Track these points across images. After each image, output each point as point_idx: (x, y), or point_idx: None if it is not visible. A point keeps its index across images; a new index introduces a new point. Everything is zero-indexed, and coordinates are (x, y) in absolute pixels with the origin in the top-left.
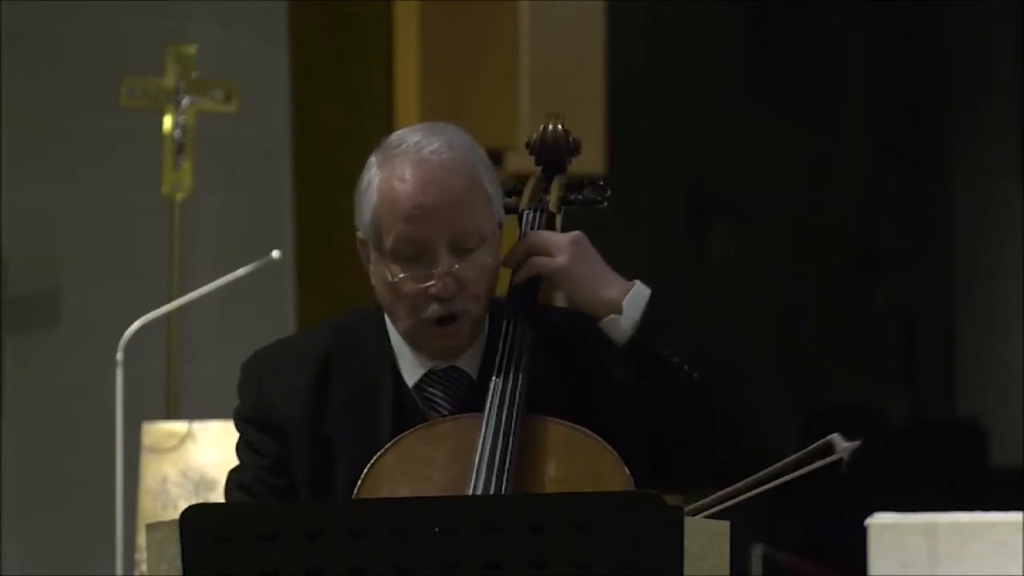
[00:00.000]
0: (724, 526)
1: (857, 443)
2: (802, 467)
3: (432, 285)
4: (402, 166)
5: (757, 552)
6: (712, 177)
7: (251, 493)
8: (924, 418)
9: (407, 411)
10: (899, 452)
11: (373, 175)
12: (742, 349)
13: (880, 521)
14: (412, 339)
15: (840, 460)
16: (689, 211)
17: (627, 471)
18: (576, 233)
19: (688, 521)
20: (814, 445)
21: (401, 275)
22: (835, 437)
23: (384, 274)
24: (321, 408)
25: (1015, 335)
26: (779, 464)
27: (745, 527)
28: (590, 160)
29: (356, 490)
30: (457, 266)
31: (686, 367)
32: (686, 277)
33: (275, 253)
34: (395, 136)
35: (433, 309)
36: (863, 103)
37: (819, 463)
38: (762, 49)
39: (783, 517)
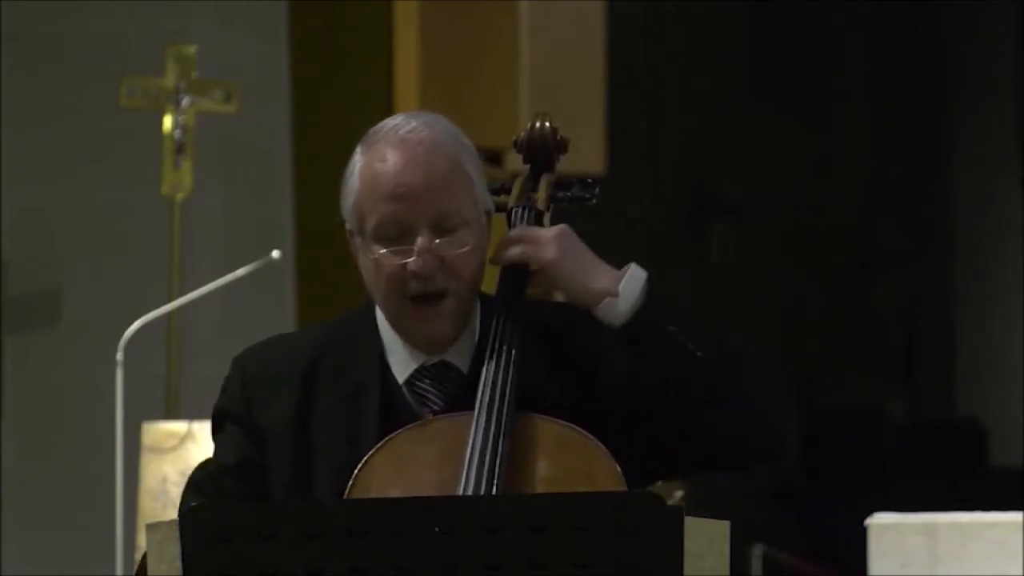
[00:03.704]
0: (724, 526)
1: (682, 492)
2: None
3: (413, 261)
4: (382, 149)
5: (757, 552)
6: (712, 177)
7: (201, 492)
8: (924, 418)
9: (397, 407)
10: (899, 452)
11: (356, 161)
12: (743, 343)
13: (880, 521)
14: (397, 325)
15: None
16: (689, 211)
17: (619, 468)
18: (561, 226)
19: (688, 521)
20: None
21: (382, 251)
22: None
23: (368, 257)
24: (306, 409)
25: (1015, 335)
26: None
27: (745, 527)
28: (590, 160)
29: (348, 489)
30: (438, 241)
31: (689, 343)
32: (686, 277)
33: (275, 253)
34: (377, 124)
35: (414, 287)
36: (863, 103)
37: None
38: (762, 49)
39: (783, 517)
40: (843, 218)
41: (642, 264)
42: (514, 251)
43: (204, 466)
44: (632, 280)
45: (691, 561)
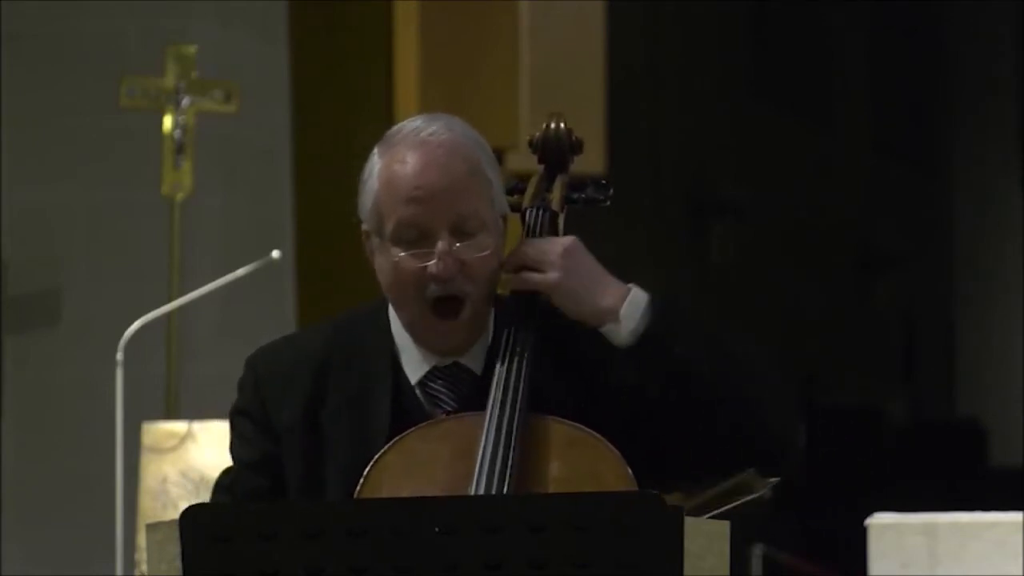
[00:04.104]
0: (724, 526)
1: (775, 479)
2: (723, 504)
3: (433, 264)
4: (402, 150)
5: (757, 552)
6: (712, 177)
7: (231, 493)
8: (924, 418)
9: (410, 408)
10: (899, 452)
11: (374, 163)
12: (748, 344)
13: (880, 521)
14: (415, 332)
15: (760, 496)
16: (689, 211)
17: (629, 471)
18: (570, 241)
19: (688, 521)
20: (732, 481)
21: (402, 254)
22: (751, 473)
23: (387, 259)
24: (318, 406)
25: (1015, 335)
26: (700, 500)
27: (745, 527)
28: (590, 160)
29: (359, 488)
30: (458, 245)
31: (689, 367)
32: (686, 277)
33: (275, 253)
34: (396, 126)
35: (432, 289)
36: (863, 103)
37: (740, 500)
38: (762, 49)
39: (783, 517)
40: (843, 218)
41: (642, 264)
42: (517, 279)
43: (228, 472)
44: (633, 305)
45: (691, 561)
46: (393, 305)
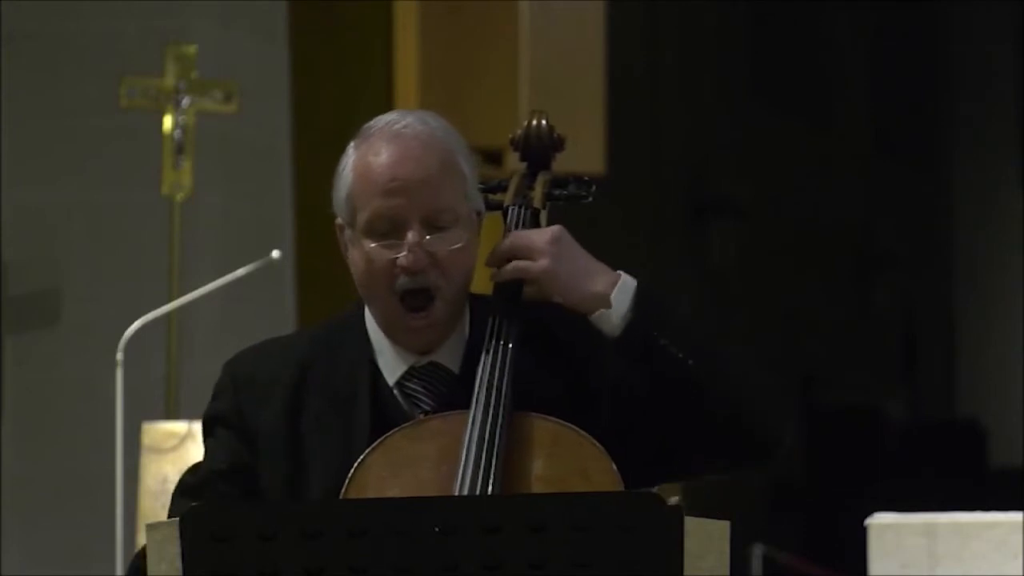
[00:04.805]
0: (724, 526)
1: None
2: None
3: (403, 256)
4: (377, 143)
5: (757, 552)
6: (712, 177)
7: (195, 495)
8: (924, 418)
9: (389, 409)
10: (899, 452)
11: (349, 156)
12: (733, 346)
13: (880, 521)
14: (387, 328)
15: None
16: (689, 211)
17: (615, 468)
18: (556, 229)
19: (688, 521)
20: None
21: (372, 245)
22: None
23: (359, 251)
24: (297, 412)
25: (1015, 335)
26: None
27: (745, 527)
28: (590, 160)
29: (344, 489)
30: (428, 238)
31: (681, 354)
32: (686, 277)
33: (275, 253)
34: (371, 121)
35: (403, 281)
36: (863, 103)
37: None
38: (762, 49)
39: (783, 517)
40: (843, 218)
41: (642, 264)
42: (507, 269)
43: (195, 470)
44: (623, 290)
45: (691, 561)
46: (365, 300)
